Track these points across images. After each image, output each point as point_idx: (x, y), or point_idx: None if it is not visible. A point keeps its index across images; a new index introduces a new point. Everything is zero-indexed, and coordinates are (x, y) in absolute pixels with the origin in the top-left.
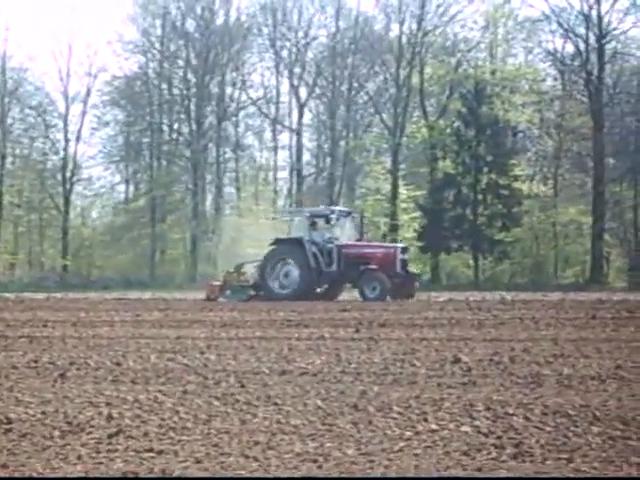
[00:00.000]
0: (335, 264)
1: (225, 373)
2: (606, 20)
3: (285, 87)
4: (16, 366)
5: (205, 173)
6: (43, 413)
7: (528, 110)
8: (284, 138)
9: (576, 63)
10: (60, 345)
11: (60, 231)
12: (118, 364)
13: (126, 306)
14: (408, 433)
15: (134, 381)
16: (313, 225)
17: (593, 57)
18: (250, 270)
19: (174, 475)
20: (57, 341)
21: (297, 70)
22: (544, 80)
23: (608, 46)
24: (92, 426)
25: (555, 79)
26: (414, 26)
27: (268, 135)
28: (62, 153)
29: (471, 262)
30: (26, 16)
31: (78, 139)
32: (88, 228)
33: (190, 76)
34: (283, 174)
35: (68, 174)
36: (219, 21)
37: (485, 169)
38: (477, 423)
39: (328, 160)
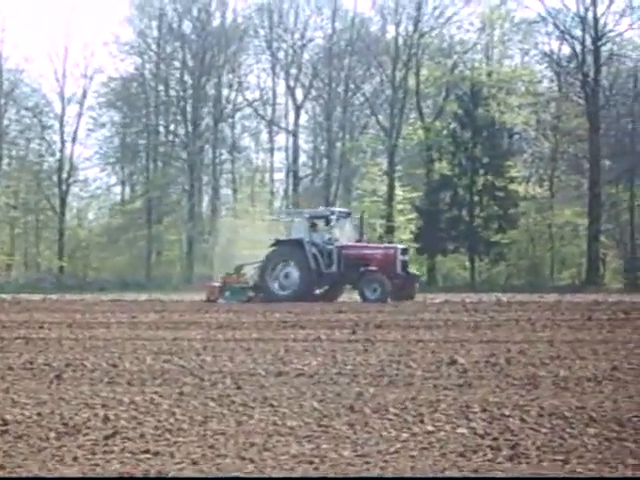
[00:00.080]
0: (335, 265)
1: (221, 374)
2: (602, 22)
3: (281, 89)
4: (12, 367)
5: (201, 175)
6: (39, 414)
7: (524, 112)
8: (280, 140)
9: (572, 65)
10: (56, 346)
11: (56, 232)
12: (114, 365)
13: (122, 307)
14: (404, 434)
15: (130, 382)
16: (313, 226)
17: (589, 59)
18: (250, 271)
19: (169, 476)
20: (53, 342)
21: (293, 72)
22: (540, 82)
23: (604, 48)
24: (88, 427)
25: (551, 81)
26: (410, 28)
27: (264, 137)
28: (58, 154)
29: (467, 264)
30: (22, 17)
31: (74, 140)
32: (84, 229)
33: (186, 78)
34: (279, 176)
35: (64, 175)
36: (215, 23)
37: (481, 171)
38: (473, 425)
39: (324, 162)
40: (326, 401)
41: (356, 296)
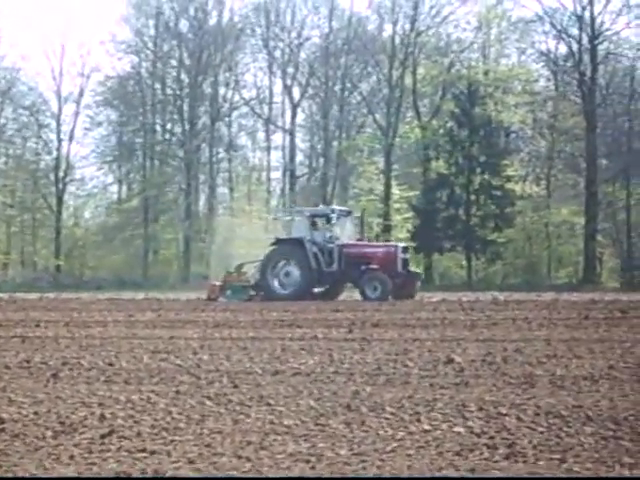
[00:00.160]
0: (336, 264)
1: (218, 373)
2: (599, 21)
3: (278, 87)
4: (9, 366)
5: (198, 173)
6: (35, 413)
7: (521, 111)
8: (277, 138)
9: (569, 64)
10: (53, 345)
11: (53, 231)
12: (111, 364)
13: (119, 306)
14: (401, 433)
15: (127, 381)
16: (314, 225)
17: (586, 58)
18: (250, 270)
19: (167, 476)
20: (50, 341)
21: (290, 70)
22: (537, 81)
23: (601, 47)
24: (85, 426)
25: (548, 80)
26: (407, 26)
27: (261, 135)
28: (55, 153)
29: (464, 262)
30: (19, 16)
31: (71, 139)
32: (81, 228)
33: (183, 76)
34: (276, 174)
35: (61, 174)
36: (212, 21)
37: (478, 169)
38: (470, 423)
39: (321, 160)
40: (323, 400)
41: (357, 295)
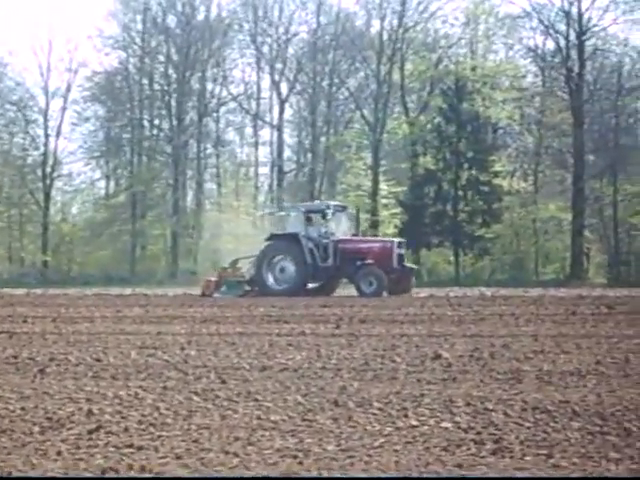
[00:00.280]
0: (331, 259)
1: (205, 369)
2: (586, 17)
3: (266, 83)
4: None
5: (186, 169)
6: (23, 409)
7: (508, 106)
8: (265, 134)
9: (556, 60)
10: (40, 341)
11: (40, 227)
12: (98, 360)
13: (106, 302)
14: (388, 429)
15: (114, 377)
16: (309, 220)
17: (573, 54)
18: (245, 266)
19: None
20: (37, 337)
21: (278, 66)
22: (524, 76)
23: (588, 43)
24: (72, 422)
25: (535, 75)
26: (395, 22)
27: (249, 131)
28: (42, 149)
29: (452, 258)
30: (6, 11)
31: (58, 135)
32: (68, 224)
33: (171, 72)
34: (264, 170)
35: (48, 170)
36: (200, 17)
37: (466, 165)
38: (457, 419)
39: (309, 156)
40: (310, 395)
41: (353, 290)
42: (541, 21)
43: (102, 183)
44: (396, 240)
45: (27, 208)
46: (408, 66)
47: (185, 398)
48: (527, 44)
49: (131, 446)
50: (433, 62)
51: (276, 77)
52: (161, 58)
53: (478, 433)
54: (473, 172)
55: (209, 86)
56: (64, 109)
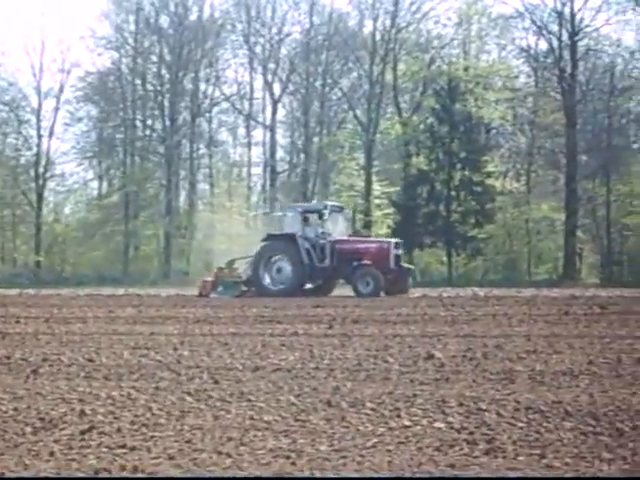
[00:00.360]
0: (328, 260)
1: (198, 369)
2: (579, 17)
3: (259, 83)
4: None
5: (179, 169)
6: (15, 409)
7: (501, 107)
8: (258, 134)
9: (549, 60)
10: (33, 341)
11: (33, 227)
12: (91, 360)
13: (99, 302)
14: (381, 429)
15: (107, 377)
16: (306, 221)
17: (566, 54)
18: (242, 266)
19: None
20: (30, 337)
21: (271, 66)
22: (517, 77)
23: (581, 43)
24: (65, 422)
25: (528, 76)
26: (388, 22)
27: (242, 131)
28: (35, 149)
29: (444, 258)
30: None
31: (51, 135)
32: (61, 224)
33: (164, 72)
34: (257, 170)
35: (41, 170)
36: (193, 17)
37: (458, 165)
38: (450, 419)
39: (302, 156)
40: (303, 396)
41: (349, 291)
42: (534, 21)
43: (95, 183)
44: (393, 241)
45: (20, 208)
46: (401, 66)
47: (178, 398)
48: (520, 44)
49: (124, 446)
50: (426, 62)
51: (269, 77)
52: (154, 58)
53: (471, 433)
54: (466, 172)
55: (202, 86)
56: (57, 109)
